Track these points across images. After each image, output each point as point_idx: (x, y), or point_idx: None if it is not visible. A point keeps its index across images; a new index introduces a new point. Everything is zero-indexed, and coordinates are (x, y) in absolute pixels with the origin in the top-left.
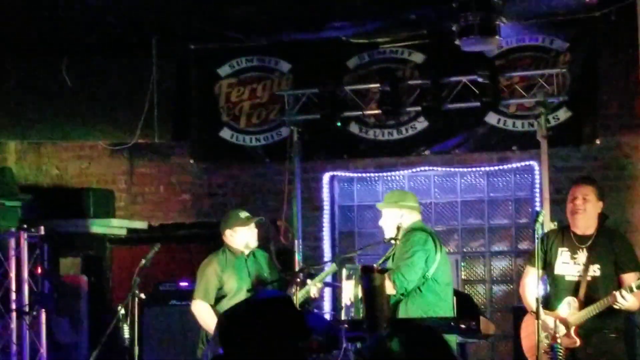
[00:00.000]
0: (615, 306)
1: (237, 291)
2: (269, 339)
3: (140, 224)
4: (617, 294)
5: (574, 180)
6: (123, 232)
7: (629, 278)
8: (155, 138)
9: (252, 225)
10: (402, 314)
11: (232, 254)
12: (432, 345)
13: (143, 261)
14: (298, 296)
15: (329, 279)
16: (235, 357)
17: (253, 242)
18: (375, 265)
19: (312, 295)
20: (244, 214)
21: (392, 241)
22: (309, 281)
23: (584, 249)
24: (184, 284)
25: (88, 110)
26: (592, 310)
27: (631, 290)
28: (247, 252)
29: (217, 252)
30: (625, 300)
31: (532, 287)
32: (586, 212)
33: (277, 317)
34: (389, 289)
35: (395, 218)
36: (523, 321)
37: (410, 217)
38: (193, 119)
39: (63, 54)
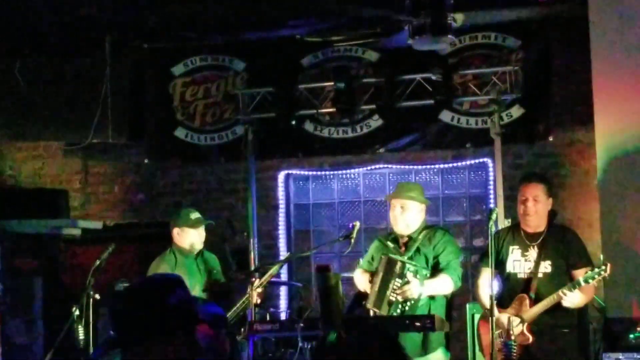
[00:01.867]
0: (564, 303)
1: (190, 290)
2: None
3: (95, 224)
4: (560, 292)
5: (523, 177)
6: (78, 232)
7: (580, 274)
8: (109, 138)
9: (201, 228)
10: (433, 312)
11: (181, 254)
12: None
13: (98, 261)
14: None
15: (284, 278)
16: (126, 339)
17: (198, 245)
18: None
19: (254, 301)
20: (194, 215)
21: (347, 239)
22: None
23: (535, 247)
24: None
25: (42, 110)
26: (541, 307)
27: (579, 285)
28: (193, 252)
29: (165, 253)
30: (569, 298)
31: (487, 286)
32: (537, 214)
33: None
34: (445, 287)
35: (421, 213)
36: (480, 320)
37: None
38: (147, 118)
39: (16, 55)
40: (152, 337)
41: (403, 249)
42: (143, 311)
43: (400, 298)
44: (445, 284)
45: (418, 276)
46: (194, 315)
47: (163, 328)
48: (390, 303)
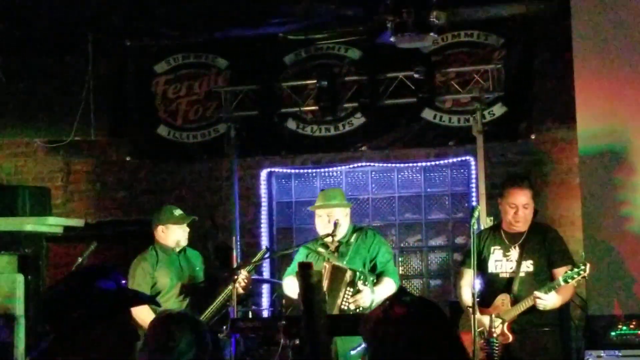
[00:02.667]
0: (539, 307)
1: (171, 287)
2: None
3: (77, 222)
4: (535, 296)
5: (510, 181)
6: (59, 230)
7: (561, 272)
8: (91, 135)
9: (185, 224)
10: None
11: (163, 251)
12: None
13: (80, 259)
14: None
15: (267, 276)
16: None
17: (184, 241)
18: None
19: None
20: (178, 212)
21: (329, 238)
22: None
23: (517, 246)
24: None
25: (24, 107)
26: (519, 307)
27: (558, 285)
28: (177, 249)
29: (146, 251)
30: (544, 301)
31: (469, 288)
32: (526, 219)
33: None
34: (390, 291)
35: (347, 217)
36: (460, 321)
37: None
38: (130, 116)
39: None
40: (84, 324)
41: (336, 254)
42: (73, 298)
43: (352, 307)
44: (391, 288)
45: (367, 283)
46: (127, 299)
47: (95, 313)
48: (342, 312)
